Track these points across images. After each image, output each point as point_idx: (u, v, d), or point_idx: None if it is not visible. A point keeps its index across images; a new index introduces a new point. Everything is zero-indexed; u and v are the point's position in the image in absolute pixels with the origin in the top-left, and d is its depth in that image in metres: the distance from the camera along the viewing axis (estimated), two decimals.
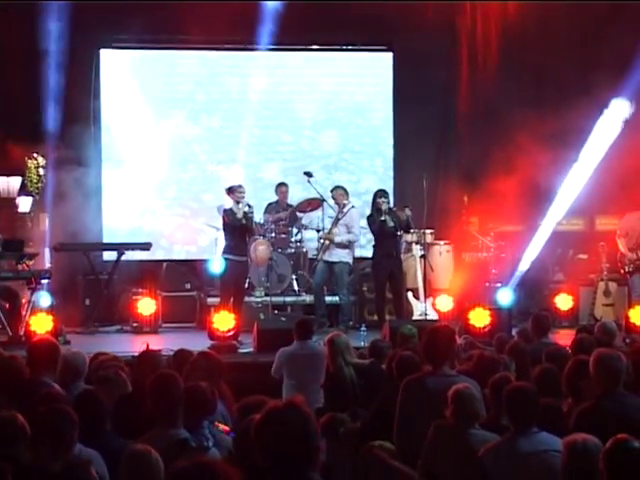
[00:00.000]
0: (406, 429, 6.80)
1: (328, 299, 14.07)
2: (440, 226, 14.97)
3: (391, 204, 13.67)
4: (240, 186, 12.91)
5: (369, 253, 14.47)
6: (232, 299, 12.70)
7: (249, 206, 12.79)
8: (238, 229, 12.70)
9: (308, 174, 14.56)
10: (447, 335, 7.26)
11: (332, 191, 14.01)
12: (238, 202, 12.65)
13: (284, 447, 3.75)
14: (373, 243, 13.66)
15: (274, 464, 3.78)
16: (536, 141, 15.00)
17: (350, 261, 13.93)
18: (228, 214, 12.70)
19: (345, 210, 13.83)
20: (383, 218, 13.19)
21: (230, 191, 12.78)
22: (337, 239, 13.71)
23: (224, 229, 12.91)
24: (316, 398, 8.85)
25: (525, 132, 15.27)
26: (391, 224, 13.22)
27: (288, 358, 9.62)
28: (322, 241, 13.95)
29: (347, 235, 13.75)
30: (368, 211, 13.75)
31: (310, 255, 14.86)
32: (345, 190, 13.99)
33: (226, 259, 12.88)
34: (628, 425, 5.14)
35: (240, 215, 12.59)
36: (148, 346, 9.36)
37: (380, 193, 13.61)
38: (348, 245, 13.80)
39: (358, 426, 7.66)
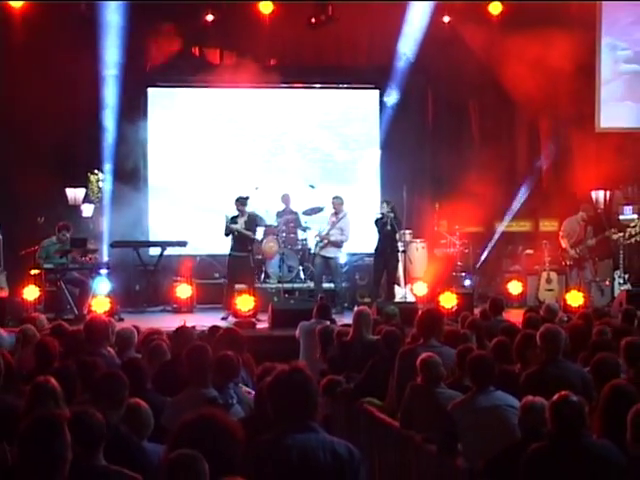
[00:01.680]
0: (402, 389, 6.79)
1: (326, 285, 14.03)
2: (416, 227, 14.98)
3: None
4: (236, 200, 13.20)
5: (359, 249, 14.63)
6: (246, 285, 12.90)
7: (249, 215, 13.17)
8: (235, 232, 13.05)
9: (312, 186, 14.54)
10: (433, 316, 7.36)
11: (333, 199, 13.98)
12: (240, 211, 13.10)
13: (290, 402, 3.74)
14: (378, 239, 13.62)
15: (283, 416, 3.77)
16: (492, 163, 15.04)
17: (341, 256, 13.91)
18: (227, 220, 13.09)
19: (340, 216, 13.80)
20: (384, 220, 13.22)
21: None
22: (332, 238, 13.68)
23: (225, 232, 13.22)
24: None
25: (483, 156, 15.31)
26: (389, 227, 13.23)
27: (305, 331, 9.55)
28: (317, 239, 13.90)
29: (341, 236, 13.71)
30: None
31: (314, 251, 14.83)
32: (342, 199, 13.96)
33: (229, 254, 13.16)
34: (566, 385, 5.13)
35: (237, 224, 13.03)
36: (185, 323, 9.35)
37: (385, 201, 13.70)
38: (340, 244, 13.77)
39: (352, 387, 7.64)
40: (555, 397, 4.59)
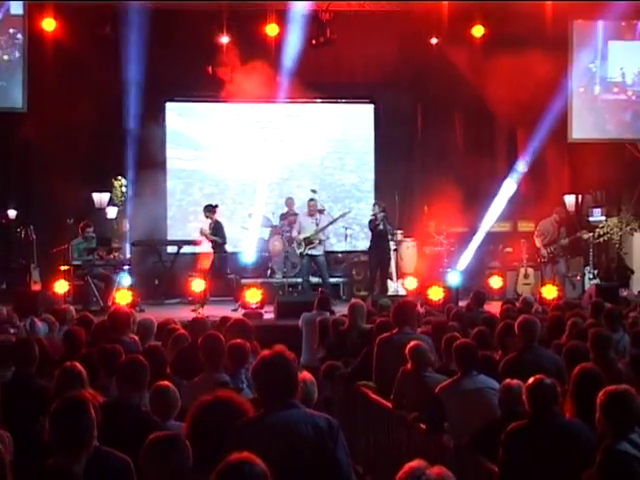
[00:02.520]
0: (381, 371, 6.84)
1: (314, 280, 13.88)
2: (407, 228, 14.97)
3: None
4: (204, 208, 13.26)
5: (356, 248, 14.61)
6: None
7: (216, 222, 13.16)
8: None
9: (313, 191, 14.51)
10: (408, 307, 7.35)
11: (309, 201, 13.83)
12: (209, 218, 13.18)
13: (273, 383, 3.77)
14: (371, 237, 13.65)
15: (267, 396, 3.79)
16: (475, 170, 15.06)
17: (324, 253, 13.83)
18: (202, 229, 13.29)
19: (318, 217, 13.62)
20: (377, 222, 13.22)
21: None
22: (321, 238, 13.61)
23: None
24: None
25: (467, 164, 15.32)
26: (381, 227, 13.23)
27: (307, 321, 9.54)
28: (301, 240, 13.53)
29: (323, 236, 13.66)
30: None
31: (300, 251, 14.58)
32: (317, 201, 13.87)
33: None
34: (541, 370, 5.14)
35: (206, 229, 13.10)
36: (200, 313, 9.37)
37: (376, 203, 13.71)
38: (322, 243, 13.66)
39: (349, 371, 7.65)
40: (530, 380, 4.62)
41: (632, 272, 14.84)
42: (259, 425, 3.68)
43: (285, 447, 3.62)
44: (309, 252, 13.50)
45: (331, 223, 13.68)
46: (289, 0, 13.94)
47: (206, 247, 14.34)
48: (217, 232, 13.19)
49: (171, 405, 4.66)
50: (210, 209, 13.25)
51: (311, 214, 13.66)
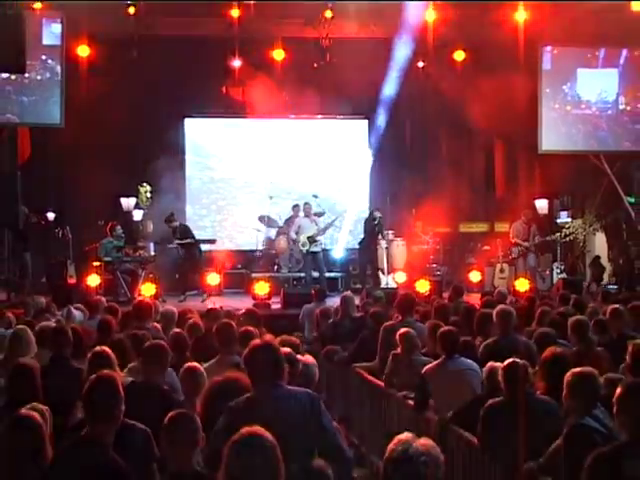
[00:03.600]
0: (385, 356, 6.82)
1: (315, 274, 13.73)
2: (398, 228, 14.93)
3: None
4: (165, 221, 13.16)
5: (352, 245, 14.60)
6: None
7: (180, 226, 13.19)
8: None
9: (315, 196, 14.50)
10: (408, 298, 7.41)
11: (305, 205, 13.75)
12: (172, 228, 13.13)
13: (262, 368, 3.79)
14: (362, 236, 13.67)
15: (257, 379, 3.81)
16: (457, 177, 15.07)
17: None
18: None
19: (315, 219, 13.61)
20: (373, 223, 13.25)
21: None
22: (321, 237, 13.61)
23: None
24: None
25: (450, 172, 15.34)
26: (376, 229, 13.26)
27: (309, 312, 9.55)
28: (305, 239, 13.39)
29: (322, 235, 13.63)
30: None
31: (307, 249, 14.50)
32: (311, 204, 13.81)
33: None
34: (516, 353, 5.13)
35: (178, 236, 13.09)
36: (215, 304, 9.35)
37: (375, 209, 13.81)
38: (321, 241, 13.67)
39: (346, 354, 7.65)
40: (505, 363, 4.61)
41: (604, 269, 14.84)
42: (249, 404, 3.71)
43: (275, 420, 3.63)
44: (312, 249, 13.50)
45: (330, 225, 13.68)
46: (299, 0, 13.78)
47: (220, 244, 14.38)
48: (187, 234, 13.18)
49: (199, 384, 4.67)
50: (169, 219, 13.17)
51: (307, 215, 13.63)
